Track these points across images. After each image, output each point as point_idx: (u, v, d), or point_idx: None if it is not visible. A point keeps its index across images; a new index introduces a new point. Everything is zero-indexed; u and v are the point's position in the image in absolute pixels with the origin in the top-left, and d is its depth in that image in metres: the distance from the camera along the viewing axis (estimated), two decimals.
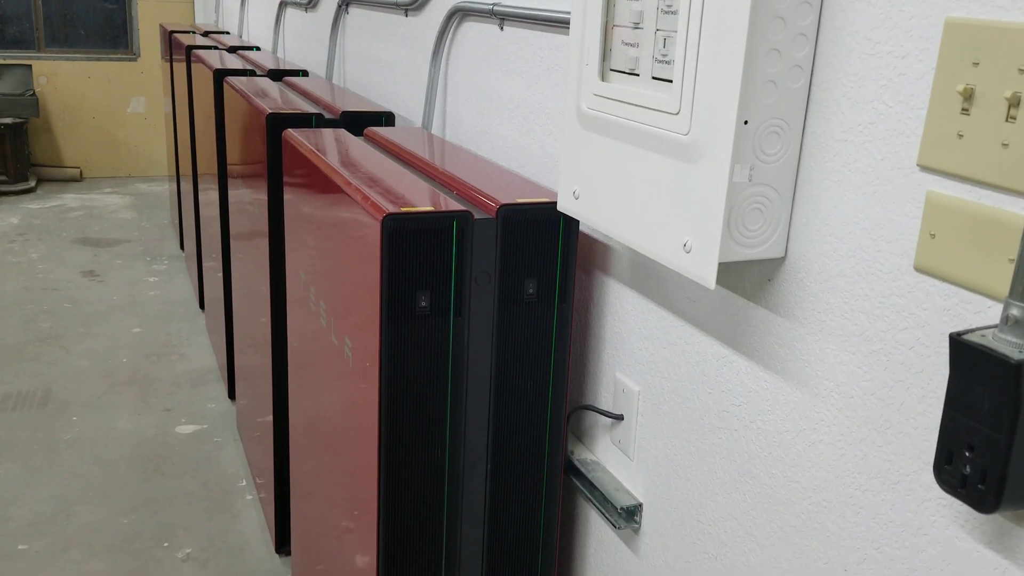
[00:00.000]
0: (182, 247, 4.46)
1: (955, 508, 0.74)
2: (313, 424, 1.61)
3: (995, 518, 0.70)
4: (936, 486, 0.75)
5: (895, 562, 0.80)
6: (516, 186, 1.28)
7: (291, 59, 3.48)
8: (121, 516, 2.35)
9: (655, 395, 1.17)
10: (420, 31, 2.02)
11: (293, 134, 1.65)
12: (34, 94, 5.83)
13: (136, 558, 2.18)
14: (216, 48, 3.40)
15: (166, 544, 2.24)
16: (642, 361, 1.20)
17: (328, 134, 1.67)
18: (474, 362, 1.19)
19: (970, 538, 0.73)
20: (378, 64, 2.35)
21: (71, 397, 2.99)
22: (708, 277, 0.87)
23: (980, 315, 0.70)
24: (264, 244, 1.99)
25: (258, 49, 3.53)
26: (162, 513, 2.37)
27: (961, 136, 0.70)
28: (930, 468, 0.76)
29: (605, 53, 1.01)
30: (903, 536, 0.79)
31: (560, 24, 1.36)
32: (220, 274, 2.84)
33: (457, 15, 1.76)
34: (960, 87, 0.69)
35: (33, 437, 2.72)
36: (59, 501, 2.40)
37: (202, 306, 3.75)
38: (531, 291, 1.20)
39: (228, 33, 4.45)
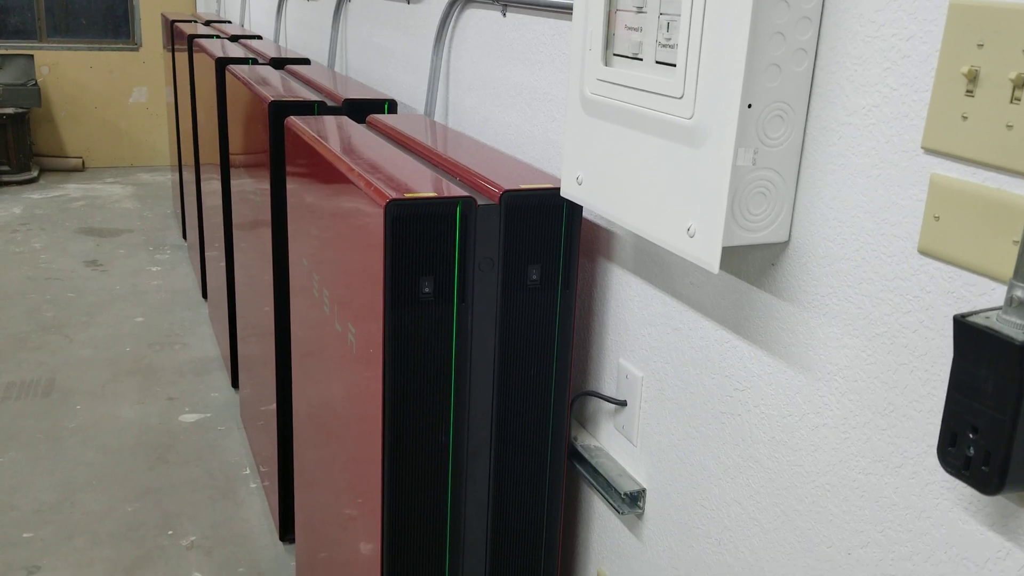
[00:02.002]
0: (184, 236, 4.46)
1: (959, 490, 0.74)
2: (317, 412, 1.61)
3: (998, 500, 0.70)
4: (940, 468, 0.76)
5: (898, 545, 0.81)
6: (519, 172, 1.28)
7: (293, 47, 3.48)
8: (125, 504, 2.36)
9: (658, 381, 1.17)
10: (422, 18, 2.01)
11: (296, 121, 1.65)
12: (36, 84, 5.83)
13: (140, 546, 2.19)
14: (218, 37, 3.40)
15: (170, 532, 2.25)
16: (645, 347, 1.20)
17: (331, 121, 1.67)
18: (478, 348, 1.19)
19: (974, 520, 0.73)
20: (380, 52, 2.35)
21: (75, 386, 2.99)
22: (712, 262, 0.87)
23: (984, 297, 0.70)
24: (267, 232, 1.99)
25: (260, 38, 3.52)
26: (166, 501, 2.38)
27: (965, 118, 0.70)
28: (934, 451, 0.76)
29: (608, 38, 1.01)
30: (907, 519, 0.79)
31: (563, 9, 1.36)
32: (223, 263, 2.84)
33: (459, 2, 1.76)
34: (964, 69, 0.69)
35: (37, 426, 2.73)
36: (63, 489, 2.41)
37: (205, 295, 3.75)
38: (534, 277, 1.20)
39: (230, 22, 4.44)
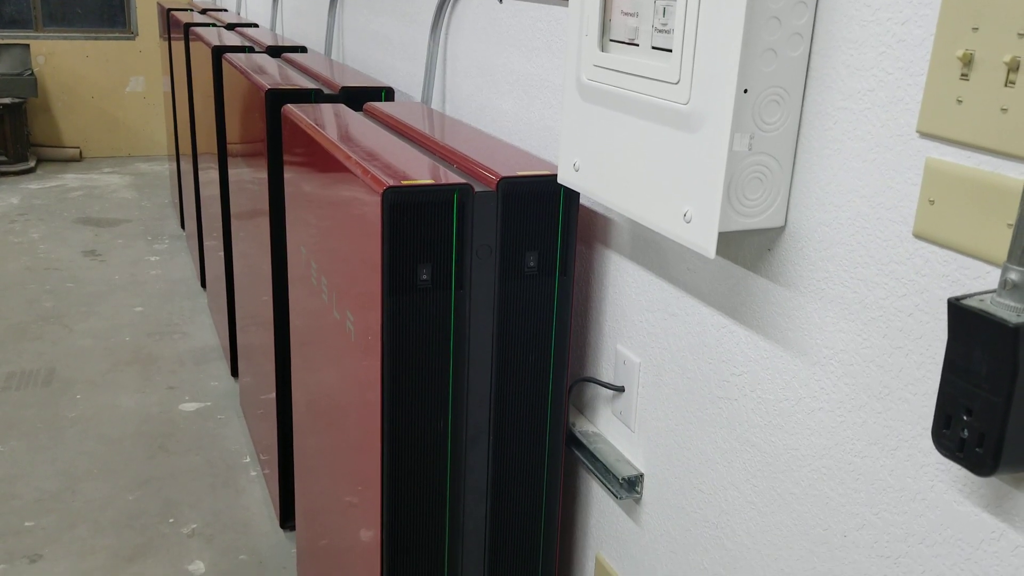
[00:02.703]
0: (183, 226, 4.46)
1: (953, 472, 0.74)
2: (316, 400, 1.62)
3: (993, 481, 0.71)
4: (934, 451, 0.76)
5: (894, 527, 0.81)
6: (516, 159, 1.28)
7: (289, 35, 3.47)
8: (127, 493, 2.37)
9: (656, 366, 1.17)
10: (419, 5, 2.01)
11: (293, 109, 1.65)
12: (32, 74, 5.81)
13: (142, 534, 2.20)
14: (214, 26, 3.38)
15: (171, 520, 2.26)
16: (642, 333, 1.20)
17: (328, 109, 1.66)
18: (476, 335, 1.20)
19: (968, 501, 0.73)
20: (377, 39, 2.34)
21: (75, 376, 3.00)
22: (708, 247, 0.87)
23: (979, 280, 0.71)
24: (265, 221, 1.99)
25: (256, 26, 3.51)
26: (167, 489, 2.39)
27: (960, 102, 0.70)
28: (929, 433, 0.77)
29: (604, 24, 1.01)
30: (902, 501, 0.80)
31: None
32: (221, 252, 2.84)
33: None
34: (959, 52, 0.69)
35: (38, 416, 2.74)
36: (65, 478, 2.42)
37: (203, 285, 3.75)
38: (532, 264, 1.20)
39: (226, 10, 4.42)
